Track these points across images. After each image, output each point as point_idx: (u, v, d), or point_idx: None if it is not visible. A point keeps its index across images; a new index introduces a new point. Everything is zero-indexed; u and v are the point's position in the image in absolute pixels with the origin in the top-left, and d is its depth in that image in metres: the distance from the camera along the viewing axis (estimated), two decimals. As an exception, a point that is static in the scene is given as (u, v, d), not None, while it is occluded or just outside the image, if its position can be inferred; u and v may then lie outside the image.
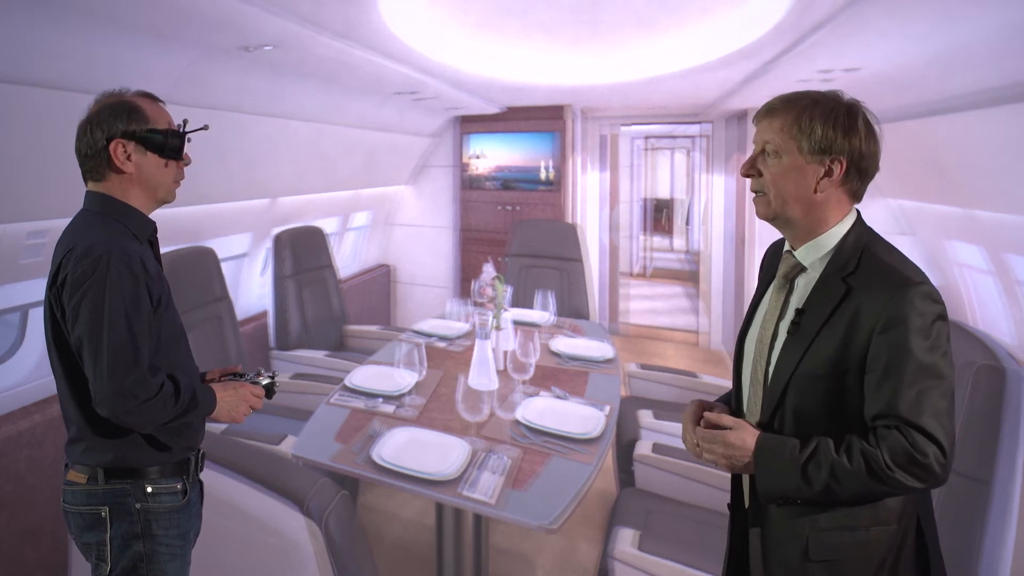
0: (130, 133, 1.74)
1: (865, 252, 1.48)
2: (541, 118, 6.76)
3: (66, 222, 1.81)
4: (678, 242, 13.00)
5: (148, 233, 1.83)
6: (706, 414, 1.60)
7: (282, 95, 4.05)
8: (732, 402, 1.73)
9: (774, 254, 1.72)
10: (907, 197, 5.09)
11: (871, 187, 4.94)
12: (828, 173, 1.49)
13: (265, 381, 1.97)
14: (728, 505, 1.74)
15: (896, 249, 1.51)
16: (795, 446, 1.43)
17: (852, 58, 3.41)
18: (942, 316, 1.40)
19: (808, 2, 2.72)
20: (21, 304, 3.37)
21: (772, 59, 3.75)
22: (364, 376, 3.47)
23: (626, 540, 2.56)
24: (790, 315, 1.54)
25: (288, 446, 3.11)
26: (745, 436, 1.50)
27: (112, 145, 1.73)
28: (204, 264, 4.10)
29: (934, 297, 1.40)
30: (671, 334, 7.99)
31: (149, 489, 1.77)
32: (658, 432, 3.54)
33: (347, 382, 3.40)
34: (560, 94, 5.99)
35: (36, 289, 3.28)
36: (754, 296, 1.73)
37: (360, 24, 3.01)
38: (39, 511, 3.09)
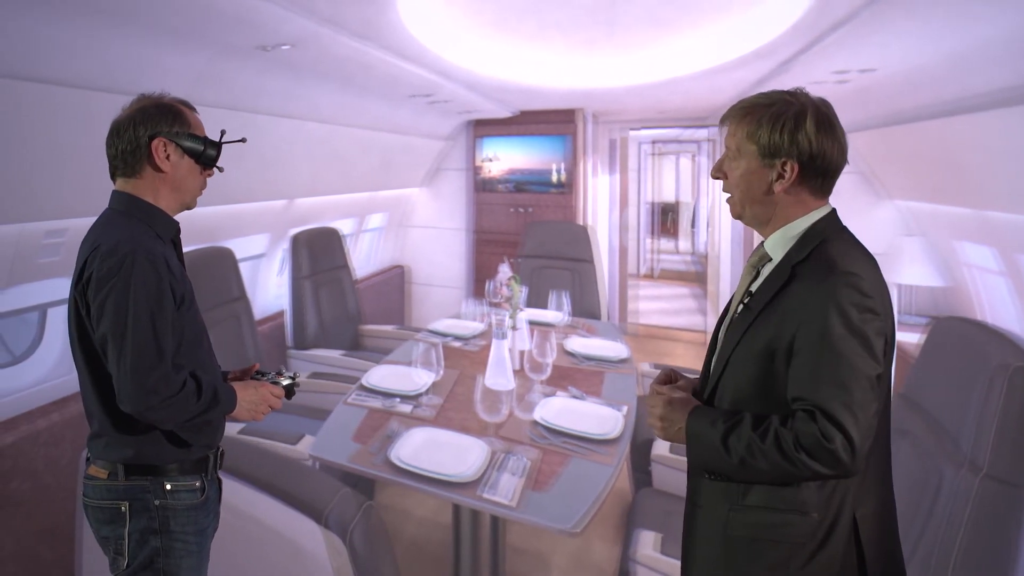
0: (173, 134, 1.80)
1: (820, 244, 1.52)
2: (553, 121, 6.78)
3: (84, 221, 1.84)
4: (683, 244, 13.03)
5: (171, 233, 1.86)
6: (654, 386, 1.69)
7: (298, 96, 4.05)
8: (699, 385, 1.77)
9: None
10: (917, 198, 5.07)
11: (879, 190, 4.92)
12: (781, 175, 1.54)
13: (286, 382, 2.00)
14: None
15: (855, 246, 1.54)
16: (721, 418, 1.49)
17: (869, 58, 3.39)
18: (870, 309, 1.41)
19: (827, 1, 2.70)
20: (40, 303, 3.39)
21: (788, 59, 3.72)
22: (381, 376, 3.48)
23: (647, 543, 2.52)
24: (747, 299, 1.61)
25: (306, 446, 3.10)
26: (685, 405, 1.58)
27: (155, 143, 1.78)
28: (222, 264, 4.12)
29: (861, 289, 1.41)
30: (680, 334, 8.00)
31: (168, 486, 1.79)
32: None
33: (364, 382, 3.40)
34: (572, 97, 5.99)
35: (54, 288, 3.30)
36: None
37: (378, 24, 3.01)
38: (56, 509, 3.08)
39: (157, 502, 1.78)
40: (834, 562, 1.47)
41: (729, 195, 1.65)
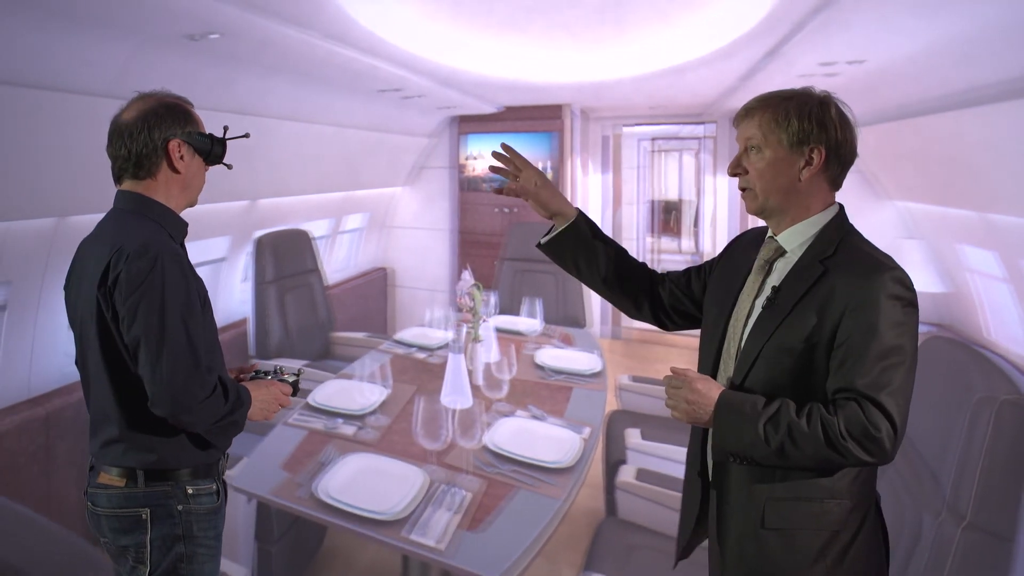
0: (187, 135, 1.80)
1: (844, 240, 1.54)
2: (539, 118, 6.60)
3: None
4: (686, 243, 12.83)
5: (182, 235, 1.87)
6: (672, 367, 1.64)
7: (251, 90, 3.83)
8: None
9: (750, 241, 1.76)
10: (917, 199, 4.90)
11: (877, 189, 4.75)
12: (808, 162, 1.54)
13: (291, 379, 2.00)
14: (686, 475, 1.78)
15: (872, 243, 1.56)
16: (757, 403, 1.47)
17: (855, 48, 3.20)
18: (912, 303, 1.44)
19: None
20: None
21: (774, 48, 3.51)
22: (329, 393, 3.22)
23: (592, 592, 2.28)
24: (767, 293, 1.59)
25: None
26: (711, 387, 1.55)
27: (171, 144, 1.78)
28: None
29: (906, 283, 1.44)
30: (674, 339, 7.71)
31: (190, 491, 1.78)
32: (646, 454, 3.26)
33: (310, 399, 3.15)
34: (558, 92, 5.81)
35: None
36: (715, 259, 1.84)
37: (314, 10, 2.79)
38: None
39: (180, 507, 1.77)
40: (864, 546, 1.50)
41: (747, 189, 1.62)
